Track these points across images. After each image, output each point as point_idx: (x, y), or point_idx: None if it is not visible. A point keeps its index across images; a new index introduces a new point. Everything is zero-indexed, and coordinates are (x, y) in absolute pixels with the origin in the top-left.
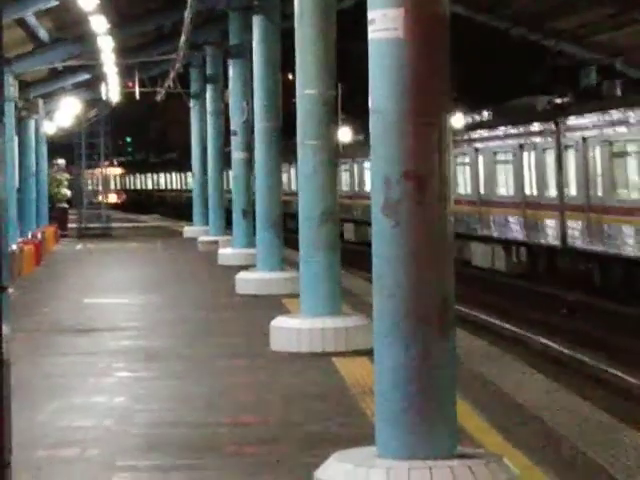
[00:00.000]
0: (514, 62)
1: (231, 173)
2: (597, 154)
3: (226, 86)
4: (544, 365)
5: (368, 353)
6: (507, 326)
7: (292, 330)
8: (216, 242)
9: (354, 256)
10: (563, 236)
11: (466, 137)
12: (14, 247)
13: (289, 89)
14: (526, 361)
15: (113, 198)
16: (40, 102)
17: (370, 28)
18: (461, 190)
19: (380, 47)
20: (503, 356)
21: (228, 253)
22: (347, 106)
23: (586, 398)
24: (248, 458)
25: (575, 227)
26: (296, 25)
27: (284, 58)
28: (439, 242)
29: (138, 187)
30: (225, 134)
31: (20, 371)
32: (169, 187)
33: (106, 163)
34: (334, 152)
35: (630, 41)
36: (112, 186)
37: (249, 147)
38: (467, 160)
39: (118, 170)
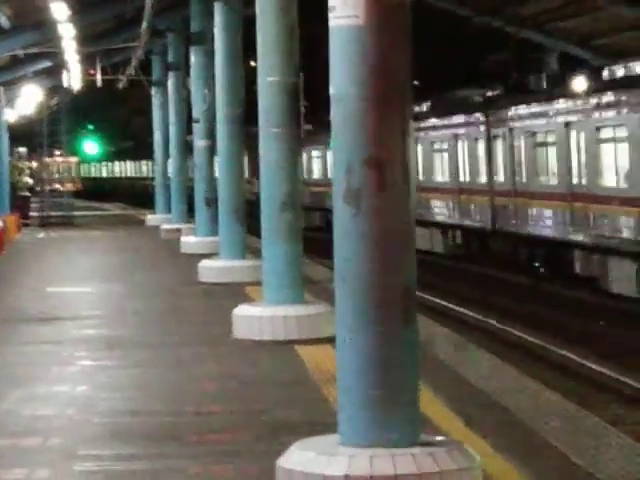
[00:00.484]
0: (478, 49)
1: (193, 161)
2: (521, 144)
3: (188, 73)
4: (502, 349)
5: (331, 341)
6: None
7: (254, 318)
8: (179, 230)
9: (317, 244)
10: (493, 219)
11: None
12: None
13: (252, 76)
14: (485, 347)
15: (69, 186)
16: (1, 90)
17: (330, 15)
18: None
19: (340, 34)
20: (464, 343)
21: (191, 241)
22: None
23: (547, 383)
24: (210, 447)
25: (503, 211)
26: (257, 11)
27: (246, 45)
28: (401, 229)
29: (94, 175)
30: (187, 122)
31: None
32: (125, 175)
33: (58, 153)
34: (297, 140)
35: (593, 28)
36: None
37: (211, 135)
38: None
39: (74, 159)
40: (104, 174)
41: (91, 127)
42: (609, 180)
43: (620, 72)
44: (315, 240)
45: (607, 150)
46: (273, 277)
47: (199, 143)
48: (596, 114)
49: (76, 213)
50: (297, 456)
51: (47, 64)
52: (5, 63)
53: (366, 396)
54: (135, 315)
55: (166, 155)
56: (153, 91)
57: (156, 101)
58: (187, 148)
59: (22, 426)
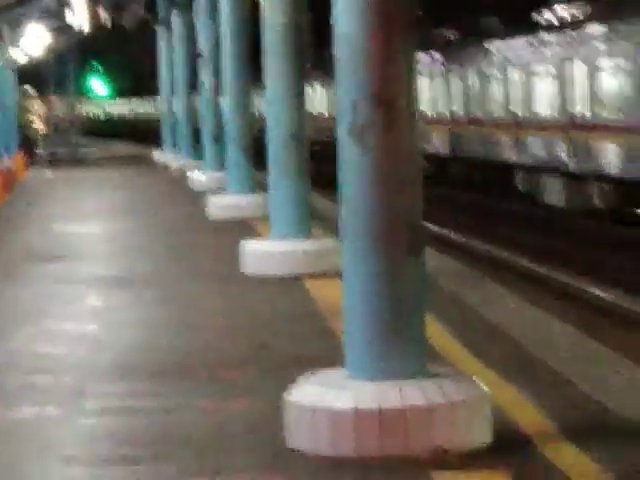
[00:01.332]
0: None
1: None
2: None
3: (193, 11)
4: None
5: (338, 275)
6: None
7: (262, 253)
8: (187, 167)
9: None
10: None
11: None
12: None
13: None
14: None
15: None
16: (5, 29)
17: None
18: None
19: None
20: (471, 273)
21: (199, 177)
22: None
23: (554, 312)
24: (220, 382)
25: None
26: None
27: None
28: (408, 166)
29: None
30: (193, 60)
31: None
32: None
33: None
34: (301, 76)
35: None
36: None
37: (217, 71)
38: None
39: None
40: (114, 112)
41: (99, 67)
42: (543, 111)
43: None
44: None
45: (540, 84)
46: (280, 212)
47: (205, 80)
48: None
49: (84, 150)
50: (304, 390)
51: (52, 3)
52: (8, 2)
53: (372, 329)
54: (143, 253)
55: (172, 92)
56: (158, 29)
57: (162, 39)
58: (193, 85)
59: (31, 364)
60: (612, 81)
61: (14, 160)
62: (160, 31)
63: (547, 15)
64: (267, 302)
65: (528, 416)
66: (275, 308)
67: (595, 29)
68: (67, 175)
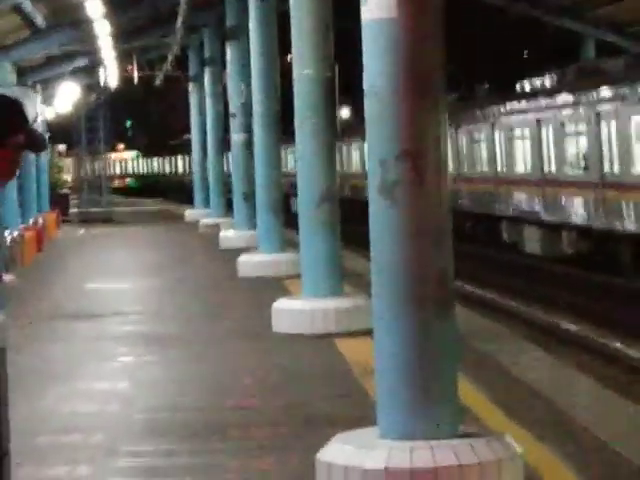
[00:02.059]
0: (512, 39)
1: (230, 156)
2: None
3: (224, 68)
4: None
5: (370, 333)
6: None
7: (294, 312)
8: (217, 225)
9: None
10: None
11: None
12: (15, 234)
13: (289, 70)
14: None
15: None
16: (38, 88)
17: (363, 9)
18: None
19: (373, 27)
20: (502, 332)
21: (229, 236)
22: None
23: (587, 372)
24: (250, 441)
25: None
26: (291, 4)
27: (283, 39)
28: (437, 221)
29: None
30: (224, 117)
31: (22, 358)
32: (175, 171)
33: (121, 146)
34: (333, 133)
35: (630, 15)
36: (124, 170)
37: (248, 129)
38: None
39: (132, 154)
40: (144, 170)
41: (129, 123)
42: (520, 167)
43: None
44: (354, 232)
45: (518, 145)
46: (312, 270)
47: (236, 137)
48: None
49: (115, 209)
50: (337, 449)
51: (84, 62)
52: (42, 62)
53: (404, 388)
54: (174, 310)
55: (204, 150)
56: (190, 87)
57: (193, 96)
58: (224, 143)
59: (63, 423)
60: (576, 143)
61: (46, 218)
62: (192, 87)
63: (526, 84)
64: (298, 361)
65: (561, 476)
66: (306, 367)
67: (563, 98)
68: (98, 233)
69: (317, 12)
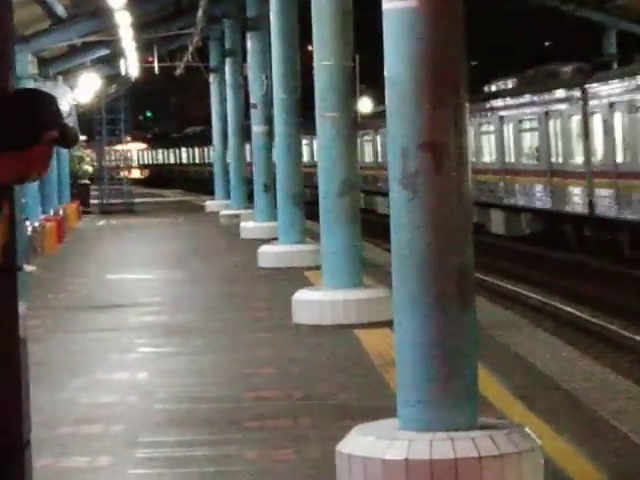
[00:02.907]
0: (530, 29)
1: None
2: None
3: (245, 59)
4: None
5: (390, 324)
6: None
7: (314, 303)
8: (238, 216)
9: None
10: None
11: None
12: (36, 225)
13: (310, 61)
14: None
15: (136, 173)
16: (60, 79)
17: None
18: None
19: (394, 17)
20: (523, 322)
21: (250, 227)
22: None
23: (606, 364)
24: (270, 432)
25: None
26: None
27: (303, 30)
28: (457, 212)
29: (161, 161)
30: (245, 107)
31: (43, 348)
32: (192, 161)
33: (128, 138)
34: (353, 123)
35: None
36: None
37: (269, 120)
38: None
39: (142, 145)
40: (162, 161)
41: (149, 114)
42: (487, 158)
43: None
44: (375, 222)
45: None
46: (332, 261)
47: (257, 129)
48: None
49: (136, 200)
50: (357, 441)
51: (105, 52)
52: (63, 52)
53: (424, 379)
54: (194, 301)
55: (224, 141)
56: (211, 77)
57: (214, 87)
58: (245, 134)
59: (83, 414)
60: (529, 137)
61: (67, 209)
62: (212, 78)
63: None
64: (318, 351)
65: (580, 468)
66: (326, 358)
67: (520, 99)
68: (119, 223)
69: (337, 1)
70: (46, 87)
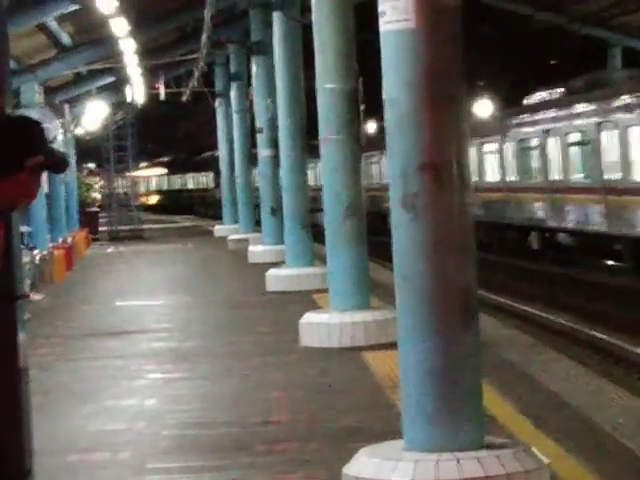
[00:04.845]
0: (535, 48)
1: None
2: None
3: (250, 84)
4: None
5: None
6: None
7: (321, 325)
8: (246, 240)
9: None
10: None
11: None
12: (45, 253)
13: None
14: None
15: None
16: (66, 107)
17: (381, 20)
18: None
19: (391, 39)
20: (527, 340)
21: (258, 250)
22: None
23: (616, 381)
24: (278, 456)
25: None
26: (313, 18)
27: (308, 53)
28: (459, 231)
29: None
30: (251, 132)
31: (53, 376)
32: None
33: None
34: (357, 146)
35: None
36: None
37: (275, 144)
38: None
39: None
40: (174, 187)
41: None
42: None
43: None
44: (380, 243)
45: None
46: (339, 283)
47: (263, 153)
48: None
49: (144, 227)
50: (363, 463)
51: (111, 79)
52: (69, 80)
53: (429, 400)
54: (203, 326)
55: (231, 165)
56: (217, 102)
57: (220, 112)
58: (252, 158)
59: (91, 441)
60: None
61: (75, 237)
62: (218, 103)
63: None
64: (326, 374)
65: None
66: (334, 380)
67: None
68: (128, 250)
69: (339, 24)
70: (30, 113)
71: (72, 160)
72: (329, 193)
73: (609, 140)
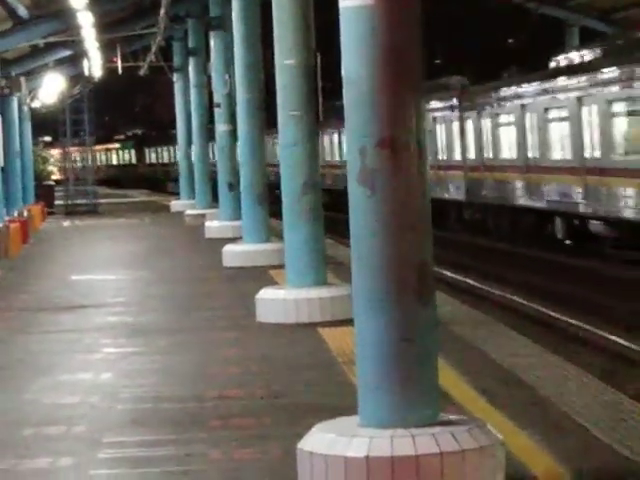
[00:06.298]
0: (495, 27)
1: (215, 146)
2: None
3: (209, 59)
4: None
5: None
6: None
7: (278, 301)
8: (203, 215)
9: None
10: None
11: None
12: (0, 226)
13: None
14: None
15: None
16: (22, 80)
17: None
18: None
19: (351, 15)
20: (484, 318)
21: (215, 226)
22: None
23: (569, 358)
24: (233, 431)
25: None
26: None
27: (267, 29)
28: (416, 209)
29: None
30: (209, 107)
31: (7, 350)
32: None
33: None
34: (315, 122)
35: (612, 2)
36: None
37: (233, 119)
38: None
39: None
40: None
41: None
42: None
43: None
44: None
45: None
46: (295, 260)
47: (221, 128)
48: None
49: (101, 201)
50: (318, 438)
51: (68, 53)
52: (26, 53)
53: (384, 376)
54: (159, 301)
55: (189, 140)
56: (175, 77)
57: (178, 87)
58: (209, 133)
59: (45, 415)
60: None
61: (31, 210)
62: (176, 78)
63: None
64: (282, 350)
65: (542, 463)
66: (290, 356)
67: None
68: (84, 224)
69: (297, 1)
70: None
71: (27, 133)
72: (286, 169)
73: None
